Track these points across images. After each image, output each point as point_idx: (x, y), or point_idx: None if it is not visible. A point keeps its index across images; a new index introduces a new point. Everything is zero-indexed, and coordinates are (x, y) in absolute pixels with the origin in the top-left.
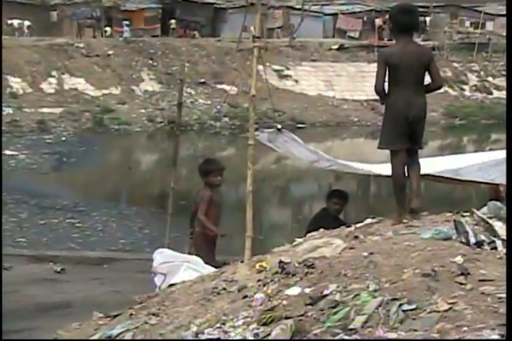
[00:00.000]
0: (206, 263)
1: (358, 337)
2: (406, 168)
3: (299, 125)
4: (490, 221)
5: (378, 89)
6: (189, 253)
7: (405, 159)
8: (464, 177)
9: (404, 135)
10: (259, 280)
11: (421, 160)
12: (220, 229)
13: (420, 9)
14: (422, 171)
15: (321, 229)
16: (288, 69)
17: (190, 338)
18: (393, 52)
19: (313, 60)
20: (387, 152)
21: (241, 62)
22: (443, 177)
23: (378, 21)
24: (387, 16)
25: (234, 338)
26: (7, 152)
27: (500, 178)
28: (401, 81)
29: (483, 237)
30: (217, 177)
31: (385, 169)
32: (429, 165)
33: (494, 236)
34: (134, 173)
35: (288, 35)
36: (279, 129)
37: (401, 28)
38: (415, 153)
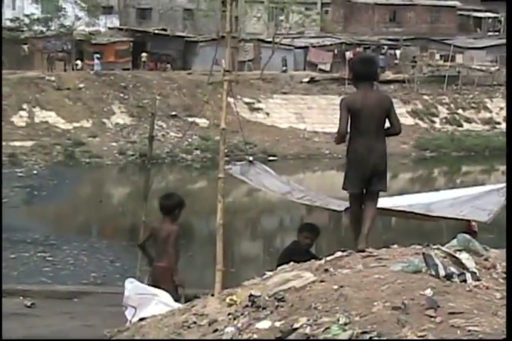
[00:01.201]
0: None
1: None
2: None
3: (271, 157)
4: (457, 254)
5: (342, 132)
6: (149, 285)
7: (360, 200)
8: (435, 213)
9: (364, 179)
10: (229, 314)
11: (392, 198)
12: (178, 277)
13: (390, 42)
14: (394, 206)
15: (292, 263)
16: (259, 101)
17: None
18: (355, 99)
19: (284, 93)
20: None
21: (212, 95)
22: (414, 213)
23: (349, 54)
24: (357, 49)
25: None
26: None
27: (472, 214)
28: (362, 127)
29: (452, 269)
30: (181, 212)
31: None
32: (401, 200)
33: (463, 269)
34: (105, 206)
35: (259, 68)
36: (250, 161)
37: (361, 77)
38: (375, 195)
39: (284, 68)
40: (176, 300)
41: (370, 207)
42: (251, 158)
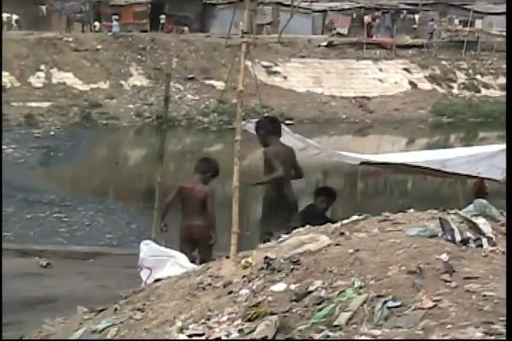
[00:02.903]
0: (208, 255)
1: (343, 334)
2: None
3: (287, 121)
4: (474, 219)
5: (281, 175)
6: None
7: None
8: (451, 170)
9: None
10: (244, 276)
11: (409, 153)
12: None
13: (409, 7)
14: (411, 162)
15: (307, 226)
16: (277, 65)
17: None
18: (278, 151)
19: (302, 57)
20: (374, 150)
21: (230, 58)
22: (429, 168)
23: (367, 18)
24: (376, 13)
25: (219, 334)
26: None
27: (488, 172)
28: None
29: (469, 234)
30: (212, 178)
31: (374, 157)
32: (417, 156)
33: (480, 234)
34: (121, 168)
35: (277, 31)
36: (266, 117)
37: (272, 133)
38: None
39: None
40: (206, 259)
41: None
42: (266, 115)
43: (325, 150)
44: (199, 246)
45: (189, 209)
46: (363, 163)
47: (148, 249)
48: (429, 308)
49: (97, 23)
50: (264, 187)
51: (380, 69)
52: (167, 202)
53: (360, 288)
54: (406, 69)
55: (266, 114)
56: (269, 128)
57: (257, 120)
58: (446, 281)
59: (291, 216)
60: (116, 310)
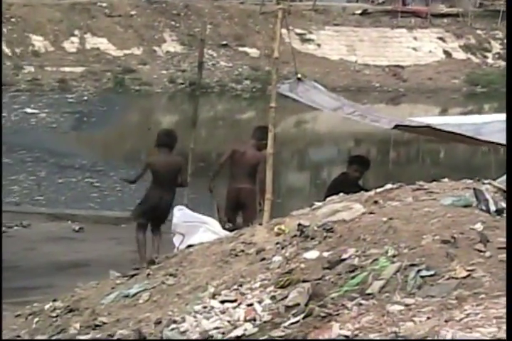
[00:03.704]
0: (252, 220)
1: (375, 302)
2: None
3: None
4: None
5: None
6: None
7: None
8: (484, 138)
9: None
10: (277, 243)
11: (443, 117)
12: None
13: None
14: (444, 124)
15: (341, 194)
16: (310, 33)
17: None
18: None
19: (336, 25)
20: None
21: (264, 25)
22: (462, 135)
23: None
24: None
25: (251, 300)
26: (28, 110)
27: None
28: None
29: (503, 205)
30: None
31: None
32: (452, 119)
33: None
34: (153, 134)
35: None
36: (299, 78)
37: (162, 145)
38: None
39: None
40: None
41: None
42: (299, 76)
43: (360, 108)
44: (245, 209)
45: (239, 173)
46: (397, 127)
47: (181, 214)
48: (463, 278)
49: None
50: None
51: (415, 38)
52: (220, 163)
53: (394, 256)
54: (440, 38)
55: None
56: (161, 139)
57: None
58: (480, 251)
59: None
60: (148, 275)
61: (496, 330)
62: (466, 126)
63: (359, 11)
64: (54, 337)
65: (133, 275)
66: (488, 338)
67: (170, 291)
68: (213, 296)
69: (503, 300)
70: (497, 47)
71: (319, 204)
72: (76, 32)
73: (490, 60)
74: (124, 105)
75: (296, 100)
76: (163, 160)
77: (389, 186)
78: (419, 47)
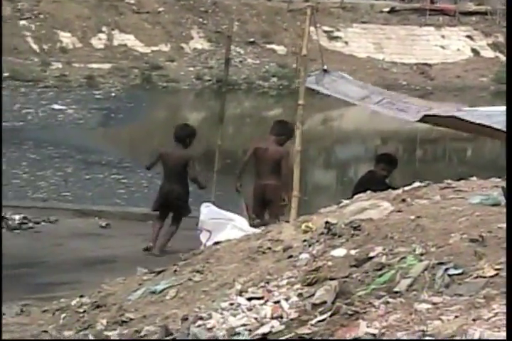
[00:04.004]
0: (278, 215)
1: (403, 300)
2: None
3: None
4: None
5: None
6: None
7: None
8: None
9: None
10: (304, 241)
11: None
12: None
13: None
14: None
15: (368, 191)
16: (338, 30)
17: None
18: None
19: (364, 22)
20: None
21: (291, 22)
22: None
23: None
24: None
25: (278, 297)
26: (55, 106)
27: None
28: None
29: None
30: (287, 140)
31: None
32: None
33: None
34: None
35: None
36: (324, 70)
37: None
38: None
39: None
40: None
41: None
42: (325, 67)
43: (389, 94)
44: (271, 205)
45: (263, 169)
46: (424, 117)
47: (208, 211)
48: (491, 276)
49: None
50: None
51: (443, 36)
52: (244, 161)
53: (421, 254)
54: (469, 37)
55: None
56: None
57: None
58: None
59: None
60: (175, 271)
61: None
62: (496, 118)
63: (387, 9)
64: (81, 333)
65: (160, 272)
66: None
67: (197, 288)
68: (240, 293)
69: None
70: None
71: (347, 201)
72: (104, 28)
73: None
74: (151, 101)
75: (323, 93)
76: (171, 153)
77: (417, 184)
78: (447, 45)
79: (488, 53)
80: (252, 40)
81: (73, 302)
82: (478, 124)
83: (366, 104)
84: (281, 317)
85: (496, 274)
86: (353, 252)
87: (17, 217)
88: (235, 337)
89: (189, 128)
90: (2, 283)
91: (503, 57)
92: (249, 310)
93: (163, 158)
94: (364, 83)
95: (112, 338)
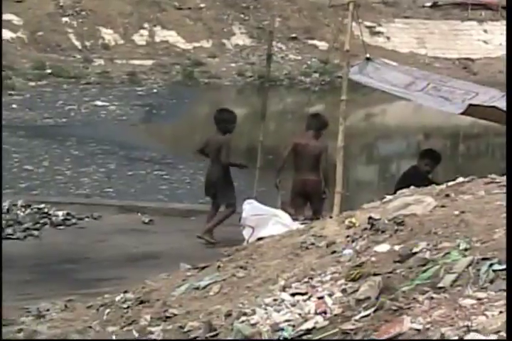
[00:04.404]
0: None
1: (447, 296)
2: None
3: None
4: None
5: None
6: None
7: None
8: None
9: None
10: (347, 236)
11: None
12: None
13: None
14: None
15: (412, 187)
16: (380, 25)
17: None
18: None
19: (406, 17)
20: None
21: (333, 18)
22: None
23: None
24: None
25: (322, 293)
26: (98, 103)
27: None
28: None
29: None
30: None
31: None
32: None
33: None
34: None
35: None
36: (368, 58)
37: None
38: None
39: None
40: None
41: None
42: (368, 55)
43: (434, 78)
44: (312, 200)
45: (303, 165)
46: (469, 109)
47: (250, 207)
48: None
49: None
50: None
51: (485, 31)
52: (284, 158)
53: (466, 250)
54: None
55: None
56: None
57: None
58: None
59: None
60: (218, 267)
61: None
62: None
63: (429, 4)
64: (125, 329)
65: (203, 268)
66: None
67: (240, 284)
68: (284, 289)
69: None
70: None
71: (390, 197)
72: (145, 25)
73: None
74: (193, 98)
75: (367, 86)
76: (209, 138)
77: (460, 179)
78: (490, 39)
79: None
80: (293, 35)
81: (117, 298)
82: None
83: (411, 92)
84: (325, 313)
85: None
86: (396, 248)
87: (60, 213)
88: (279, 333)
89: (224, 113)
90: (2, 282)
91: None
92: (293, 305)
93: (207, 143)
94: (408, 68)
95: (155, 334)
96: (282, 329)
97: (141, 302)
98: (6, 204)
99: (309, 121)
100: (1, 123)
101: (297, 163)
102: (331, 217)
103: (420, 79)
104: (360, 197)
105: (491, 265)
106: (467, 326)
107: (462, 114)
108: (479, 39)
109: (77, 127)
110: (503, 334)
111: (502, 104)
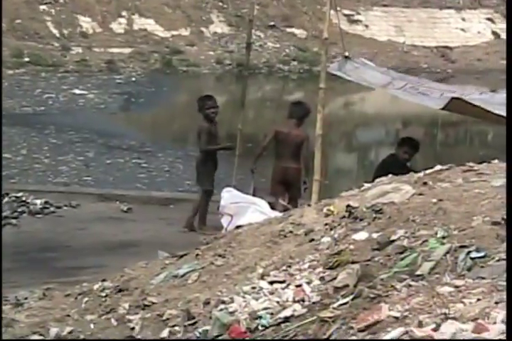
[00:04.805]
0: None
1: (425, 283)
2: None
3: None
4: None
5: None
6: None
7: None
8: None
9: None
10: (326, 224)
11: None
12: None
13: None
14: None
15: (390, 175)
16: (358, 13)
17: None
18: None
19: (385, 5)
20: None
21: (311, 5)
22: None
23: None
24: None
25: (300, 281)
26: (76, 91)
27: None
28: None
29: None
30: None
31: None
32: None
33: None
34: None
35: None
36: (346, 56)
37: None
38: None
39: None
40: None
41: None
42: (347, 54)
43: (411, 79)
44: (291, 188)
45: (285, 153)
46: (449, 104)
47: (229, 196)
48: None
49: None
50: None
51: (463, 19)
52: (263, 146)
53: (444, 237)
54: (489, 19)
55: None
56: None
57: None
58: None
59: None
60: (197, 255)
61: None
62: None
63: None
64: (103, 317)
65: (182, 256)
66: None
67: (219, 272)
68: (262, 277)
69: None
70: None
71: (368, 185)
72: (124, 13)
73: None
74: (172, 86)
75: (346, 79)
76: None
77: (439, 167)
78: (468, 28)
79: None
80: (272, 23)
81: (96, 287)
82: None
83: (390, 89)
84: (303, 301)
85: None
86: (374, 235)
87: (39, 201)
88: (257, 321)
89: (204, 97)
90: (2, 282)
91: None
92: (271, 293)
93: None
94: (386, 69)
95: (133, 322)
96: (260, 317)
97: (120, 290)
98: None
99: (291, 110)
100: (1, 122)
101: (278, 150)
102: (309, 205)
103: (398, 79)
104: (339, 185)
105: (468, 253)
106: (445, 313)
107: (443, 109)
108: (457, 27)
109: (55, 115)
110: (481, 321)
111: (484, 99)
